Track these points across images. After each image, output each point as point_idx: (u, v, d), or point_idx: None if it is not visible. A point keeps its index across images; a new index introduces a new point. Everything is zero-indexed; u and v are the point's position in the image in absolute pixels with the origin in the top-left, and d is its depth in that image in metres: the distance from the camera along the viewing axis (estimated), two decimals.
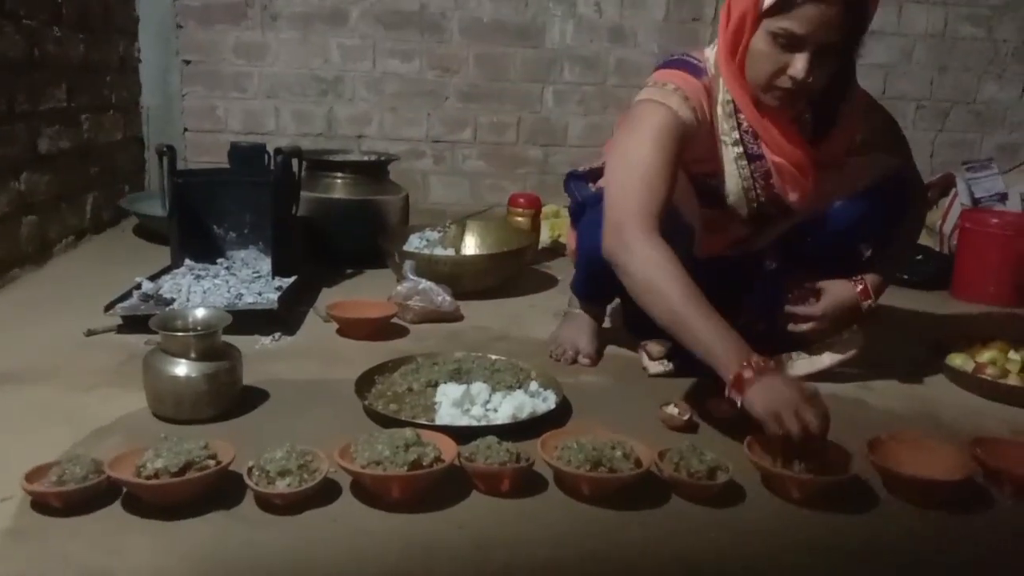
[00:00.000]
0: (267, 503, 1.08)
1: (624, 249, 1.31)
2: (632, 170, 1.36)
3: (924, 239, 2.60)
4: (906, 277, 2.45)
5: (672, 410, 1.40)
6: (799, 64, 1.30)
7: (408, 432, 1.15)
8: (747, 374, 1.19)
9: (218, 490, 1.09)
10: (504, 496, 1.14)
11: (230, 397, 1.35)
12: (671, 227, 1.36)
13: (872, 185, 1.51)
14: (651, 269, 1.27)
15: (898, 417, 1.51)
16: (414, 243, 2.21)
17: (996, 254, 2.33)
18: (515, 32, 2.88)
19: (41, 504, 1.05)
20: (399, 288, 1.89)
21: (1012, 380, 1.60)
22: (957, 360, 1.68)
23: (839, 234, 1.55)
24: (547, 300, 1.81)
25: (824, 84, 1.36)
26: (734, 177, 1.49)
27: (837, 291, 1.55)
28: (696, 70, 1.44)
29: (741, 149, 1.46)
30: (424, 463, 1.10)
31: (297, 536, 1.02)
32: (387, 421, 1.29)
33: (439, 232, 2.29)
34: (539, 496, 1.15)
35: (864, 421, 1.46)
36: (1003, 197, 2.63)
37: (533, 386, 1.44)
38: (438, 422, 1.30)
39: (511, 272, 2.16)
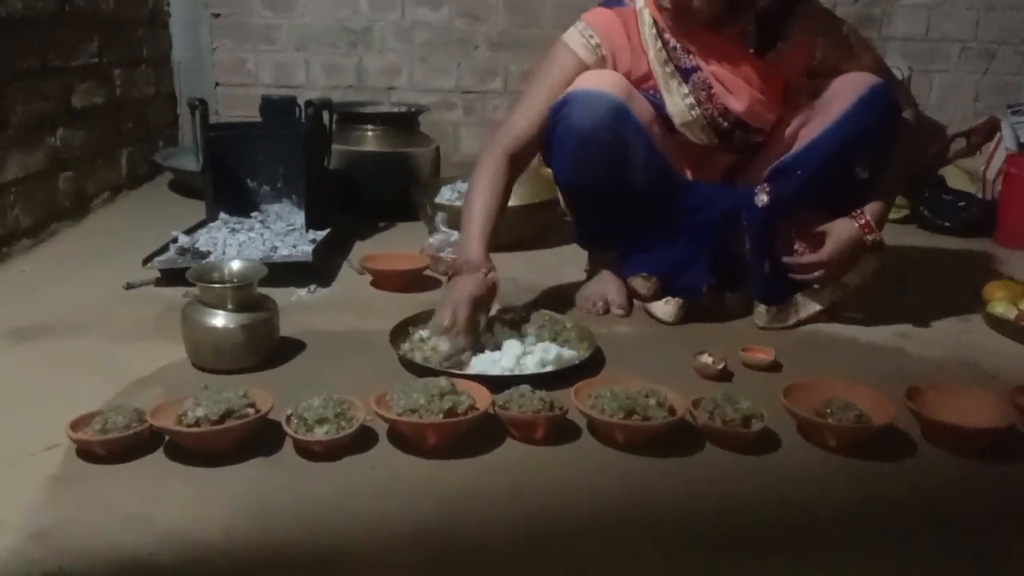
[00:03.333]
0: (306, 450, 1.09)
1: (481, 154, 1.58)
2: (522, 101, 1.60)
3: (965, 184, 2.54)
4: (948, 224, 2.41)
5: (706, 359, 1.39)
6: None
7: (443, 381, 1.16)
8: (458, 268, 1.44)
9: (258, 438, 1.11)
10: (538, 444, 1.15)
11: (267, 347, 1.37)
12: (641, 154, 1.50)
13: (855, 103, 1.47)
14: (477, 172, 1.54)
15: (938, 365, 1.48)
16: (445, 195, 2.20)
17: None
18: None
19: (86, 452, 1.07)
20: (431, 240, 1.89)
21: None
22: (999, 308, 1.64)
23: (830, 160, 1.49)
24: (579, 252, 1.80)
25: (712, 8, 1.43)
26: (673, 94, 1.52)
27: (839, 232, 1.53)
28: (617, 3, 1.56)
29: (671, 67, 1.51)
30: (459, 411, 1.11)
31: (335, 482, 1.04)
32: (422, 371, 1.30)
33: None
34: (573, 444, 1.16)
35: (903, 370, 1.45)
36: None
37: (565, 337, 1.44)
38: (472, 371, 1.31)
39: (543, 224, 2.14)
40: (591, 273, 1.77)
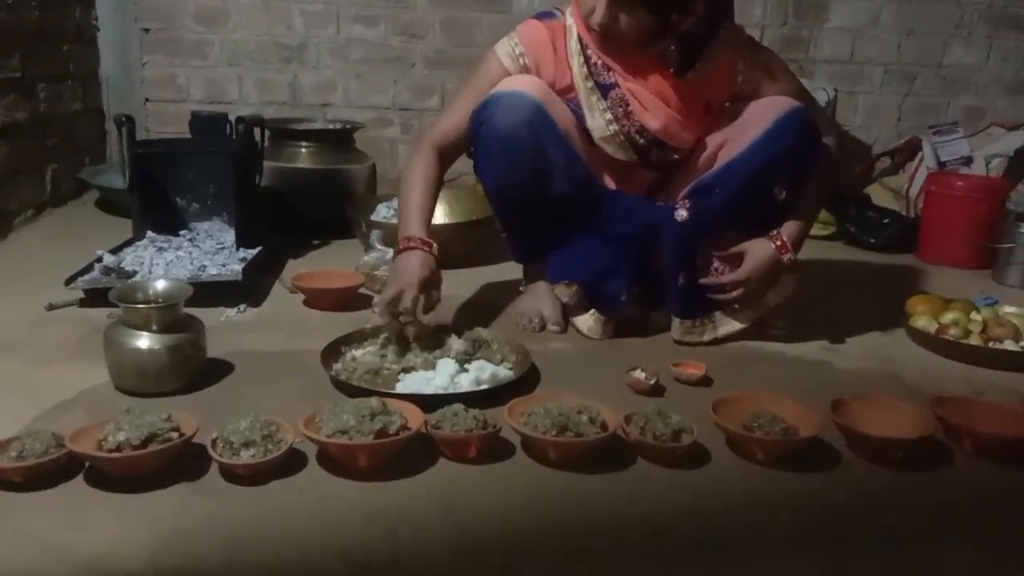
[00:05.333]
0: (232, 474, 1.07)
1: (411, 153, 1.64)
2: (450, 104, 1.67)
3: (889, 202, 2.63)
4: (872, 240, 2.49)
5: (639, 374, 1.41)
6: (599, 10, 1.46)
7: (374, 401, 1.14)
8: (402, 245, 1.50)
9: (182, 462, 1.08)
10: (471, 463, 1.14)
11: (193, 369, 1.34)
12: (560, 157, 1.54)
13: (772, 126, 1.51)
14: (407, 168, 1.61)
15: (862, 378, 1.53)
16: (381, 212, 2.18)
17: (961, 217, 2.35)
18: None
19: (1, 480, 1.03)
20: (366, 258, 1.88)
21: (973, 340, 1.62)
22: (920, 321, 1.70)
23: (747, 181, 1.53)
24: (516, 269, 1.81)
25: (639, 32, 1.47)
26: (593, 109, 1.57)
27: (756, 252, 1.57)
28: (551, 16, 1.60)
29: (592, 82, 1.55)
30: (390, 431, 1.10)
31: (263, 507, 1.02)
32: (353, 391, 1.29)
33: None
34: (506, 462, 1.15)
35: (829, 382, 1.48)
36: (968, 160, 2.66)
37: (498, 355, 1.44)
38: (403, 391, 1.30)
39: (479, 241, 2.15)
40: (526, 289, 1.77)
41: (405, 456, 1.12)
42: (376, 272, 1.83)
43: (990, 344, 1.61)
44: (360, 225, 2.08)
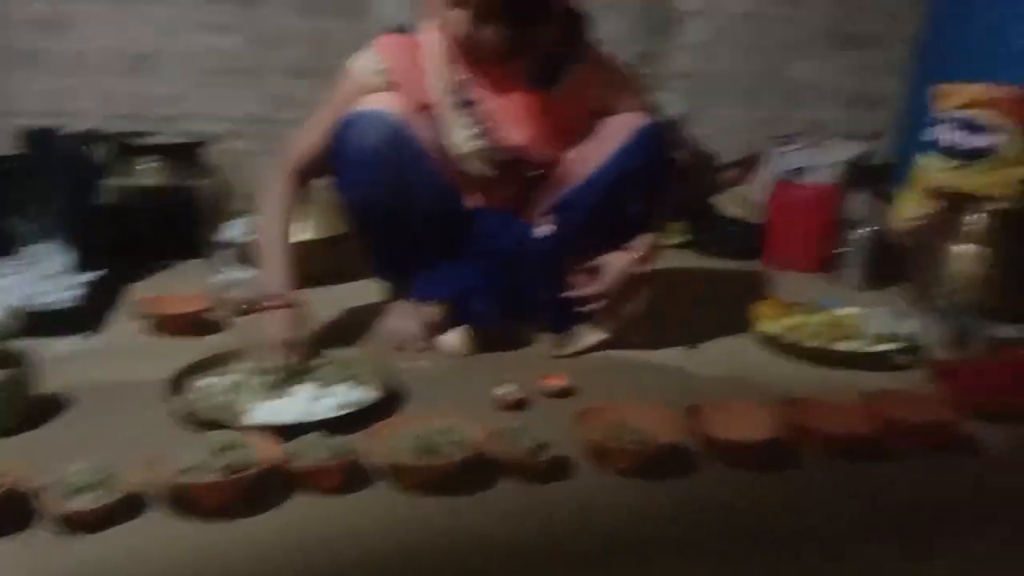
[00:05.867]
0: (67, 522, 0.98)
1: (269, 177, 1.58)
2: (308, 123, 1.61)
3: (737, 211, 2.75)
4: (721, 249, 2.59)
5: (504, 390, 1.40)
6: (462, 23, 1.44)
7: (225, 434, 1.08)
8: (268, 302, 1.46)
9: (9, 512, 0.98)
10: (332, 493, 1.10)
11: (22, 407, 1.23)
12: (423, 176, 1.53)
13: (628, 141, 1.56)
14: (265, 198, 1.56)
15: (716, 382, 1.58)
16: (233, 231, 2.09)
17: (802, 224, 2.49)
18: (339, 5, 2.78)
19: None
20: (216, 279, 1.79)
21: (815, 342, 1.71)
22: (767, 325, 1.78)
23: (606, 196, 1.57)
24: (380, 286, 1.77)
25: (501, 46, 1.46)
26: (455, 125, 1.55)
27: (614, 265, 1.61)
28: (408, 30, 1.59)
29: (454, 98, 1.54)
30: (242, 466, 1.04)
31: (101, 556, 0.94)
32: (203, 423, 1.22)
33: None
34: (368, 490, 1.12)
35: (685, 388, 1.52)
36: (808, 170, 2.81)
37: (362, 376, 1.40)
38: (256, 421, 1.24)
39: (341, 257, 2.09)
40: (391, 307, 1.74)
41: (259, 491, 1.06)
42: (227, 295, 1.75)
43: (831, 345, 1.71)
44: (210, 244, 1.98)
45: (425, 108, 1.56)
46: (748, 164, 2.89)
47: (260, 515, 1.04)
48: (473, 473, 1.15)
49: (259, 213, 1.56)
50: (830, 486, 1.22)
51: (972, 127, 2.28)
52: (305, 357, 1.44)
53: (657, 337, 1.74)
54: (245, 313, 1.68)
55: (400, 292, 1.71)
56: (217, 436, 1.08)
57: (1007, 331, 1.69)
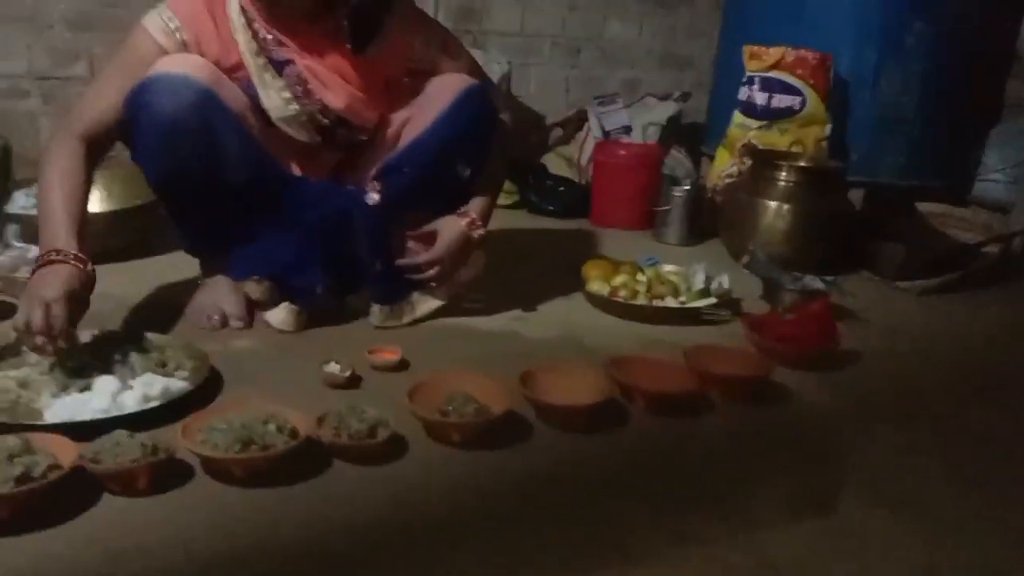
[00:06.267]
0: None
1: (49, 144, 1.40)
2: (94, 86, 1.46)
3: (563, 170, 2.79)
4: (551, 208, 2.63)
5: (333, 367, 1.34)
6: None
7: (12, 440, 0.97)
8: (43, 260, 1.25)
9: None
10: (144, 495, 1.01)
11: None
12: (235, 145, 1.41)
13: (453, 103, 1.52)
14: (48, 161, 1.36)
15: (548, 345, 1.60)
16: (19, 202, 1.86)
17: (625, 183, 2.56)
18: None
19: None
20: (2, 258, 1.60)
21: (640, 300, 1.76)
22: (595, 285, 1.81)
23: (434, 159, 1.53)
24: (189, 260, 1.64)
25: (308, 3, 1.42)
26: (268, 88, 1.47)
27: (447, 230, 1.58)
28: None
29: (264, 59, 1.45)
30: (35, 475, 0.93)
31: None
32: None
33: None
34: (185, 488, 1.04)
35: (518, 352, 1.53)
36: (628, 129, 2.89)
37: (172, 363, 1.29)
38: (50, 420, 1.11)
39: (143, 229, 1.92)
40: (204, 283, 1.62)
41: (58, 500, 0.96)
42: (16, 275, 1.57)
43: (654, 302, 1.77)
44: None
45: (233, 70, 1.45)
46: (572, 124, 2.93)
47: (59, 526, 0.94)
48: (304, 460, 1.09)
49: (40, 184, 1.36)
50: (651, 444, 1.26)
51: (776, 88, 2.42)
52: (79, 319, 1.25)
53: (490, 302, 1.73)
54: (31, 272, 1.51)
55: (215, 267, 1.59)
56: (3, 441, 0.95)
57: (812, 282, 1.82)
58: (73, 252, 1.26)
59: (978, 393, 1.52)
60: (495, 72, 2.71)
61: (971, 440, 1.33)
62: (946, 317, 1.95)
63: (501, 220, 2.38)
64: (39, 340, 1.18)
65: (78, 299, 1.24)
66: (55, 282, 1.21)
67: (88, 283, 1.27)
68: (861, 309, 1.88)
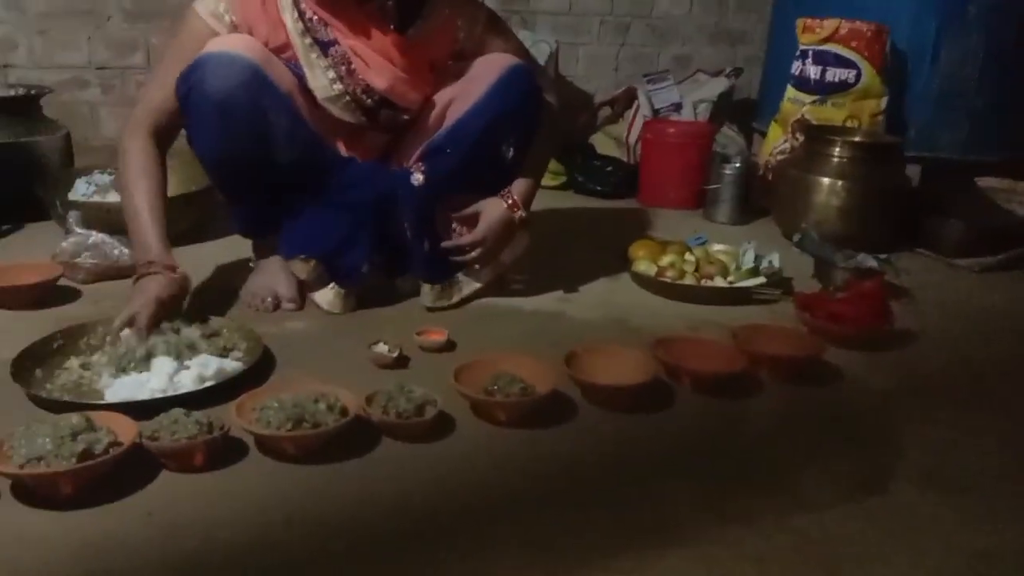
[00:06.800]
0: None
1: (122, 141, 1.46)
2: (155, 75, 1.50)
3: (611, 150, 2.78)
4: (599, 188, 2.61)
5: (381, 348, 1.37)
6: None
7: (75, 418, 1.01)
8: (140, 271, 1.36)
9: None
10: (200, 471, 1.04)
11: None
12: (284, 122, 1.44)
13: (497, 83, 1.52)
14: (125, 161, 1.43)
15: (594, 326, 1.59)
16: (80, 189, 1.93)
17: (675, 161, 2.53)
18: None
19: None
20: (64, 244, 1.65)
21: (688, 280, 1.75)
22: (641, 266, 1.80)
23: (478, 140, 1.53)
24: (244, 245, 1.68)
25: None
26: (314, 68, 1.49)
27: (490, 211, 1.58)
28: None
29: (310, 39, 1.47)
30: (96, 451, 0.97)
31: None
32: (54, 406, 1.13)
33: (111, 173, 2.03)
34: (239, 464, 1.07)
35: (563, 333, 1.53)
36: (678, 107, 2.86)
37: (227, 343, 1.33)
38: (110, 399, 1.16)
39: (201, 214, 1.97)
40: (257, 265, 1.66)
41: (119, 476, 1.00)
42: (77, 260, 1.62)
43: (703, 282, 1.75)
44: (55, 205, 1.83)
45: (281, 51, 1.47)
46: (620, 102, 2.91)
47: (120, 501, 0.98)
48: (353, 438, 1.12)
49: (120, 180, 1.44)
50: (697, 425, 1.25)
51: (830, 61, 2.36)
52: (177, 320, 1.35)
53: (535, 282, 1.73)
54: (94, 279, 1.57)
55: (266, 249, 1.63)
56: (67, 420, 0.99)
57: (865, 260, 1.78)
58: (165, 262, 1.38)
59: None
60: (542, 52, 2.70)
61: None
62: (1007, 295, 1.89)
63: (548, 201, 2.39)
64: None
65: (168, 304, 1.34)
66: (146, 291, 1.33)
67: (182, 289, 1.39)
68: (917, 288, 1.83)
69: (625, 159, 2.75)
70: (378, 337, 1.39)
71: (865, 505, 1.06)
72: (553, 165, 2.61)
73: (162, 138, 1.47)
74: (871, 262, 1.75)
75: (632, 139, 2.78)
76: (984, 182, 2.35)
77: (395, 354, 1.36)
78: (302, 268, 1.56)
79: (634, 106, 2.85)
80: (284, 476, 1.05)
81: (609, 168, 2.65)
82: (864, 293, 1.54)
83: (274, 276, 1.60)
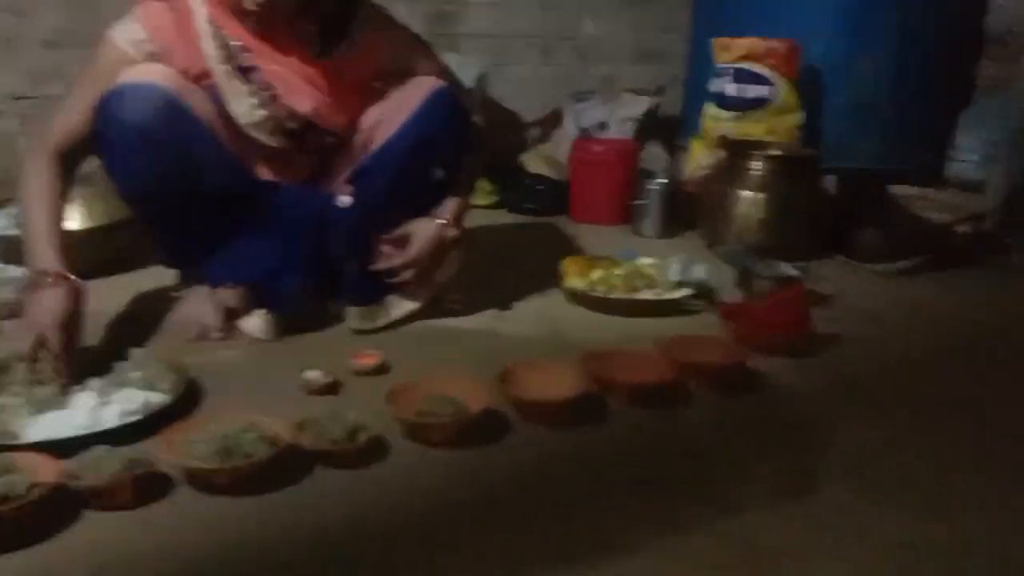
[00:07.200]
0: None
1: (26, 157, 1.44)
2: (65, 101, 1.47)
3: (542, 168, 2.81)
4: (530, 206, 2.64)
5: (313, 374, 1.36)
6: None
7: None
8: (32, 282, 1.31)
9: None
10: (127, 509, 1.02)
11: None
12: (205, 152, 1.44)
13: (423, 105, 1.54)
14: (26, 179, 1.39)
15: (527, 342, 1.61)
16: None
17: (603, 178, 2.57)
18: None
19: None
20: None
21: (618, 294, 1.78)
22: (573, 281, 1.83)
23: (405, 161, 1.54)
24: (169, 273, 1.65)
25: (287, 10, 1.42)
26: (236, 95, 1.48)
27: (421, 231, 1.59)
28: None
29: (230, 66, 1.46)
30: (15, 493, 0.94)
31: None
32: None
33: None
34: (168, 500, 1.05)
35: (498, 351, 1.53)
36: (605, 125, 2.91)
37: (152, 376, 1.30)
38: (31, 438, 1.12)
39: (125, 244, 1.92)
40: (183, 295, 1.63)
41: (42, 517, 0.97)
42: None
43: (631, 296, 1.79)
44: None
45: (200, 78, 1.46)
46: (549, 122, 2.95)
47: (41, 544, 0.95)
48: (286, 467, 1.10)
49: (20, 203, 1.40)
50: (631, 436, 1.28)
51: (747, 79, 2.44)
52: (79, 340, 1.31)
53: (470, 301, 1.74)
54: (12, 315, 1.51)
55: (193, 277, 1.60)
56: None
57: (785, 268, 1.84)
58: (56, 270, 1.31)
59: (956, 373, 1.54)
60: (471, 74, 2.73)
61: (950, 420, 1.35)
62: (922, 298, 1.98)
63: (481, 219, 2.41)
64: (40, 367, 1.21)
65: (73, 318, 1.29)
66: (46, 309, 1.26)
67: (78, 296, 1.32)
68: (837, 293, 1.90)
69: (555, 177, 2.78)
70: (310, 363, 1.38)
71: (794, 508, 1.09)
72: (485, 184, 2.63)
73: (67, 162, 1.42)
74: (791, 271, 1.81)
75: (562, 157, 2.81)
76: (898, 190, 2.45)
77: (328, 380, 1.35)
78: (229, 296, 1.54)
79: (562, 125, 2.90)
80: (215, 510, 1.04)
81: (540, 186, 2.68)
82: (785, 301, 1.60)
83: (201, 305, 1.57)
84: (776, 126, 2.42)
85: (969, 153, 2.71)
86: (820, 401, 1.41)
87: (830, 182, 2.39)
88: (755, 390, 1.44)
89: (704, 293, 1.82)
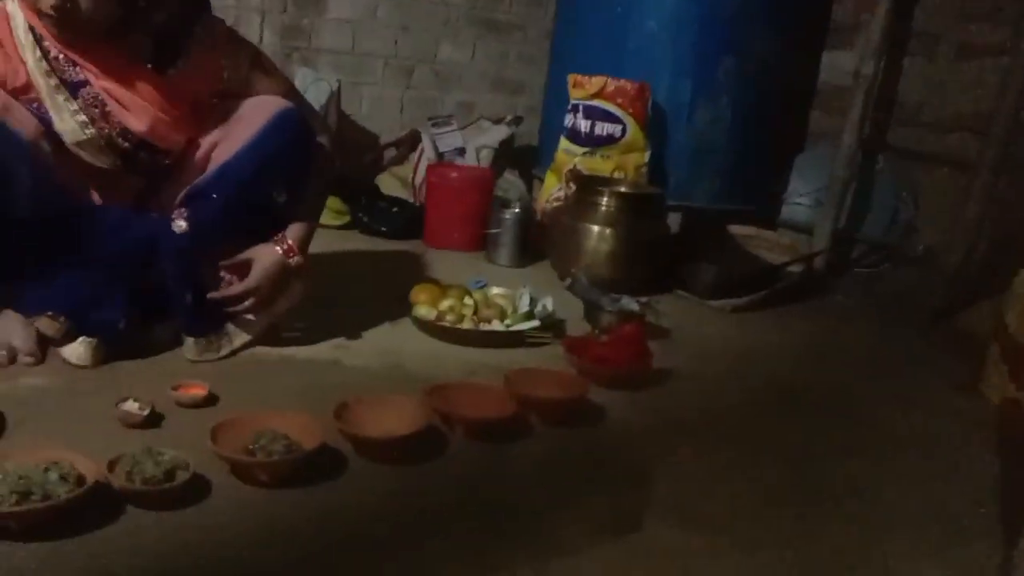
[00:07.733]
0: None
1: None
2: None
3: (397, 190, 2.78)
4: (384, 229, 2.60)
5: (130, 405, 1.26)
6: None
7: None
8: None
9: None
10: None
11: None
12: (24, 174, 1.32)
13: (266, 126, 1.48)
14: None
15: (370, 374, 1.57)
16: None
17: (458, 205, 2.57)
18: None
19: None
20: None
21: (466, 324, 1.77)
22: (421, 310, 1.80)
23: (245, 184, 1.47)
24: None
25: (102, 20, 1.33)
26: (62, 111, 1.40)
27: (263, 258, 1.52)
28: None
29: (56, 80, 1.39)
30: None
31: None
32: None
33: None
34: None
35: (338, 383, 1.49)
36: (462, 151, 2.92)
37: None
38: None
39: None
40: None
41: None
42: None
43: (480, 326, 1.78)
44: None
45: (21, 92, 1.35)
46: (406, 144, 2.93)
47: None
48: (93, 508, 1.01)
49: None
50: (468, 472, 1.26)
51: (598, 116, 2.51)
52: None
53: (312, 329, 1.68)
54: None
55: (3, 300, 1.46)
56: None
57: (628, 303, 1.89)
58: None
59: (784, 409, 1.63)
60: (323, 90, 2.67)
61: (776, 456, 1.42)
62: (755, 333, 2.09)
63: (332, 242, 2.35)
64: None
65: None
66: None
67: None
68: (676, 328, 1.98)
69: (411, 200, 2.76)
70: (129, 393, 1.29)
71: (619, 545, 1.11)
72: (337, 204, 2.57)
73: None
74: (634, 305, 1.86)
75: (418, 181, 2.80)
76: (735, 229, 2.59)
77: (146, 411, 1.26)
78: (49, 325, 1.41)
79: (419, 148, 2.89)
80: (11, 554, 0.94)
81: (395, 209, 2.65)
82: (625, 336, 1.64)
83: (9, 327, 1.43)
84: (624, 163, 2.51)
85: (800, 197, 2.91)
86: (653, 436, 1.45)
87: (674, 220, 2.50)
88: (592, 424, 1.46)
89: (552, 325, 1.84)
